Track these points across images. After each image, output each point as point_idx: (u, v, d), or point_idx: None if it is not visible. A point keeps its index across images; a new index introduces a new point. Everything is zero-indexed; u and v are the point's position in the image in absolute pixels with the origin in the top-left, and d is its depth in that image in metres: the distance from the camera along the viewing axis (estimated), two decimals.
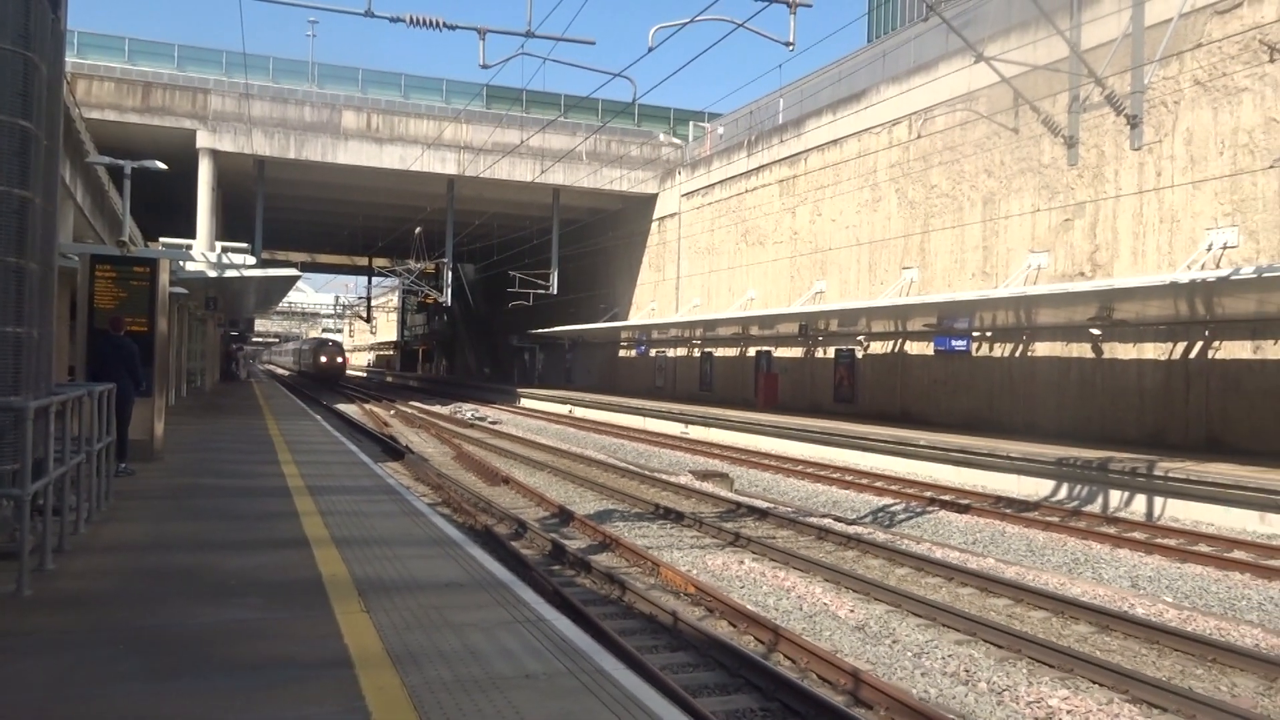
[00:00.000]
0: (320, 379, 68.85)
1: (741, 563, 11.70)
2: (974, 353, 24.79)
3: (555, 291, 45.25)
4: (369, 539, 8.10)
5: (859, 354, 29.64)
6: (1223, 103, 19.03)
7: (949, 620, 9.19)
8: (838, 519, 14.97)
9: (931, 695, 7.43)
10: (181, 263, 18.57)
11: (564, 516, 14.73)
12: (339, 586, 6.39)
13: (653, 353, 44.03)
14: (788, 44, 11.96)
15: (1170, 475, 15.50)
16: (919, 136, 27.22)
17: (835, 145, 31.32)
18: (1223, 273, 15.33)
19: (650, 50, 12.40)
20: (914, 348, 27.34)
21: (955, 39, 19.40)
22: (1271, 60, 17.97)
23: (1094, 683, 7.56)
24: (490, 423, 34.89)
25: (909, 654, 8.40)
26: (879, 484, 19.16)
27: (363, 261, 72.44)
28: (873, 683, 7.16)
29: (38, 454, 6.46)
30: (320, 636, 5.26)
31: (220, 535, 8.07)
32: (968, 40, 15.00)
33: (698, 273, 40.27)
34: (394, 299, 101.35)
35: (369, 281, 76.95)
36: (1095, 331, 21.01)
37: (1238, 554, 12.72)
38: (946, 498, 17.07)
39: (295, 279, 25.95)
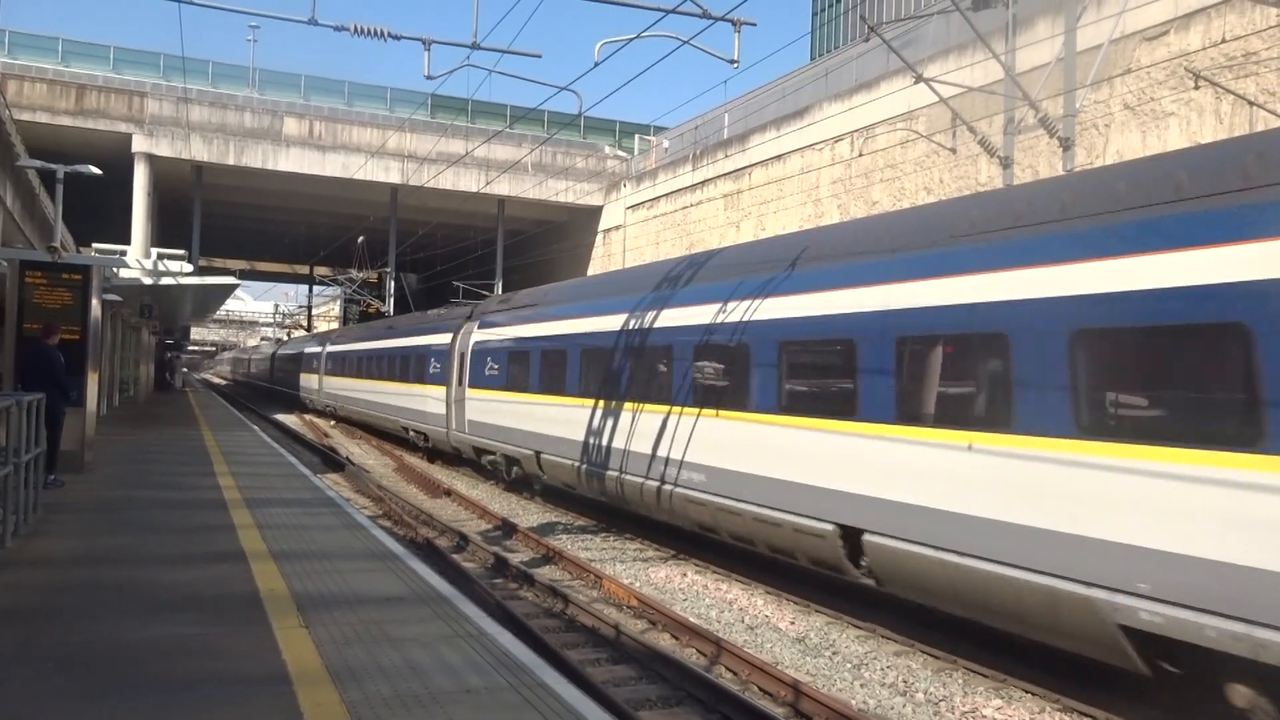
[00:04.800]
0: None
1: (684, 575, 11.75)
2: None
3: None
4: (308, 553, 8.00)
5: None
6: (1151, 126, 19.66)
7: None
8: None
9: (870, 705, 7.54)
10: (115, 269, 18.12)
11: (507, 529, 14.66)
12: (277, 601, 6.30)
13: None
14: (732, 61, 12.10)
15: None
16: (861, 154, 27.68)
17: (779, 160, 31.72)
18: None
19: (596, 64, 12.47)
20: None
21: (896, 59, 19.80)
22: (1196, 87, 18.61)
23: (1026, 692, 7.74)
24: None
25: (848, 665, 8.51)
26: None
27: (304, 270, 71.43)
28: (812, 694, 7.24)
29: None
30: (258, 652, 5.19)
31: (154, 549, 7.91)
32: (907, 61, 15.32)
33: None
34: (335, 308, 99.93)
35: (310, 290, 75.83)
36: None
37: None
38: None
39: (234, 287, 25.44)
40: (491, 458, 18.87)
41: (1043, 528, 6.94)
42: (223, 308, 67.27)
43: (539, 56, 13.09)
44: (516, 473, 17.84)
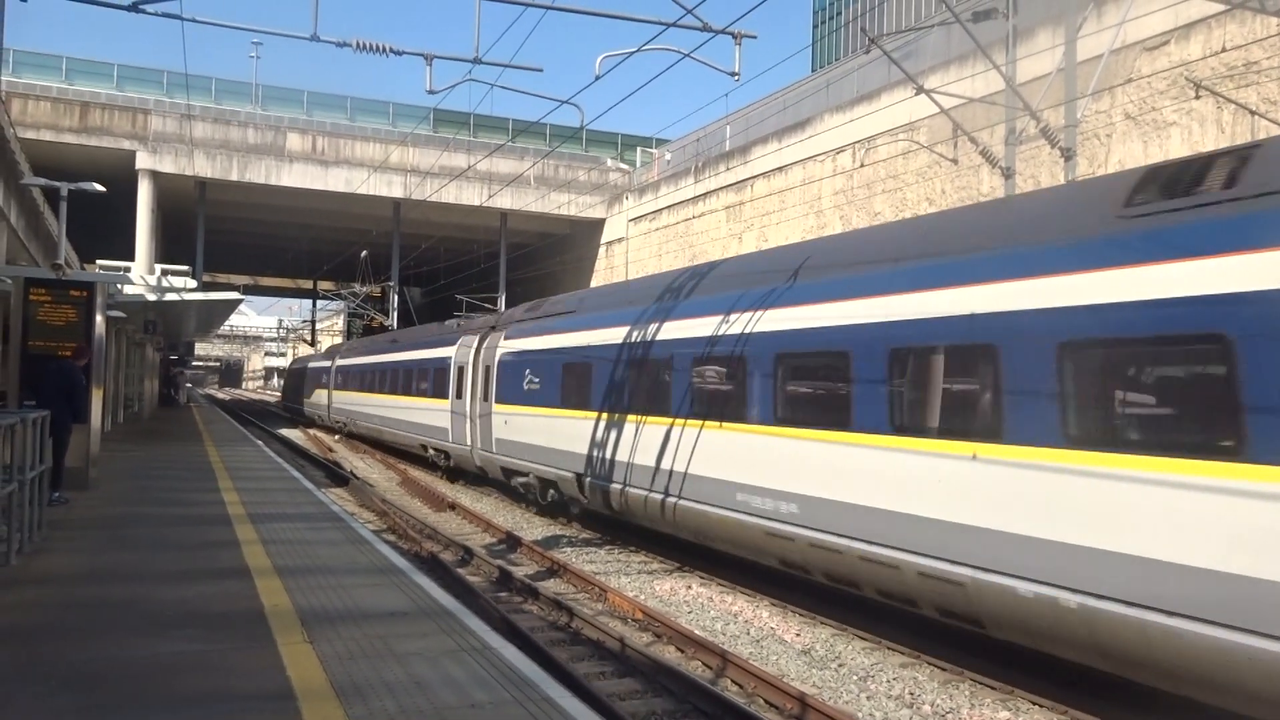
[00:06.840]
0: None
1: (689, 588, 11.72)
2: None
3: None
4: (312, 568, 7.99)
5: None
6: (1152, 136, 19.67)
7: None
8: None
9: (877, 718, 7.51)
10: (119, 286, 18.17)
11: (511, 543, 14.64)
12: (281, 617, 6.29)
13: None
14: (733, 74, 12.14)
15: None
16: (862, 165, 27.72)
17: (781, 172, 31.76)
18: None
19: (598, 78, 12.51)
20: None
21: (897, 70, 19.85)
22: (1197, 96, 18.64)
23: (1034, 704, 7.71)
24: None
25: (855, 677, 8.47)
26: None
27: (307, 284, 71.54)
28: (819, 706, 7.21)
29: None
30: (262, 669, 5.18)
31: (158, 566, 7.90)
32: (908, 72, 15.37)
33: None
34: (339, 322, 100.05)
35: (314, 305, 75.91)
36: None
37: None
38: None
39: (238, 302, 25.51)
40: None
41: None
42: (226, 323, 67.35)
43: (540, 71, 13.15)
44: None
